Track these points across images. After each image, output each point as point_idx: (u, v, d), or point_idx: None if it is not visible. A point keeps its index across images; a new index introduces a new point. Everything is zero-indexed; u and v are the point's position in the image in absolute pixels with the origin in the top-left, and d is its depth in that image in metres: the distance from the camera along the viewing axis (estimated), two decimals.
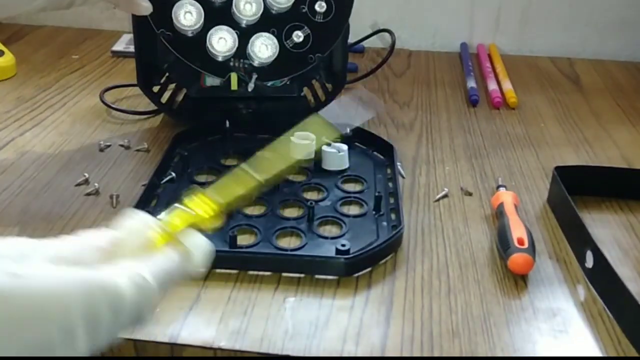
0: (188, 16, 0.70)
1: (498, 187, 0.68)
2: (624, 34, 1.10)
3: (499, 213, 0.64)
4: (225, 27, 0.71)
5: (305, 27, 0.73)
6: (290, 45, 0.73)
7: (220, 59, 0.73)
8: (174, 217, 0.40)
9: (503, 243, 0.59)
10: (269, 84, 0.77)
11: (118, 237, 0.38)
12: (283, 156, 0.46)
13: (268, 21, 0.73)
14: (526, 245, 0.57)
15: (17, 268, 0.30)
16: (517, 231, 0.58)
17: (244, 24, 0.72)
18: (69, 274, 0.33)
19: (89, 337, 0.32)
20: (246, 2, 0.71)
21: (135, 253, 0.37)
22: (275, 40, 0.73)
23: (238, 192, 0.43)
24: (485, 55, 1.09)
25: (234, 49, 0.72)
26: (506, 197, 0.65)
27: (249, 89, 0.74)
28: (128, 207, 0.63)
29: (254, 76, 0.73)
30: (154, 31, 0.72)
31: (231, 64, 0.73)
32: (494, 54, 1.09)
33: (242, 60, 0.72)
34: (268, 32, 0.73)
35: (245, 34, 0.72)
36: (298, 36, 0.72)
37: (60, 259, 0.36)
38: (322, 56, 0.75)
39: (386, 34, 1.03)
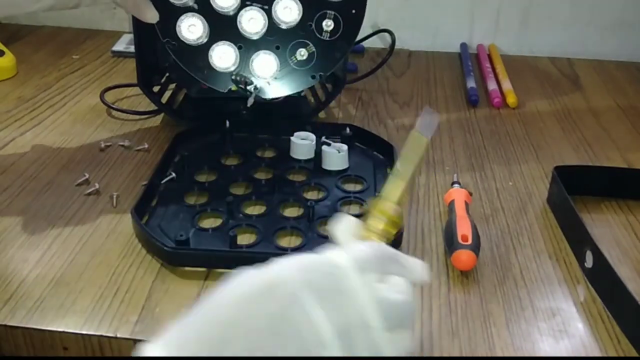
0: (192, 29, 0.70)
1: (452, 183, 0.69)
2: (624, 34, 1.10)
3: (450, 210, 0.64)
4: (227, 43, 0.71)
5: (310, 45, 0.72)
6: (294, 62, 0.72)
7: (222, 72, 0.72)
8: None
9: (448, 239, 0.60)
10: (269, 99, 0.75)
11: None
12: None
13: (273, 37, 0.72)
14: (469, 242, 0.58)
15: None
16: (463, 228, 0.59)
17: (248, 38, 0.72)
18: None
19: (320, 302, 0.36)
20: (250, 18, 0.71)
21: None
22: (278, 57, 0.72)
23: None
24: (485, 55, 1.09)
25: (236, 65, 0.72)
26: (457, 195, 0.65)
27: (248, 105, 0.72)
28: (128, 207, 0.63)
29: (255, 92, 0.72)
30: (154, 32, 0.72)
31: (233, 77, 0.72)
32: (493, 54, 1.09)
33: (243, 75, 0.71)
34: (272, 47, 0.72)
35: (248, 49, 0.72)
36: (301, 54, 0.71)
37: None
38: (325, 75, 0.74)
39: (386, 34, 1.03)
